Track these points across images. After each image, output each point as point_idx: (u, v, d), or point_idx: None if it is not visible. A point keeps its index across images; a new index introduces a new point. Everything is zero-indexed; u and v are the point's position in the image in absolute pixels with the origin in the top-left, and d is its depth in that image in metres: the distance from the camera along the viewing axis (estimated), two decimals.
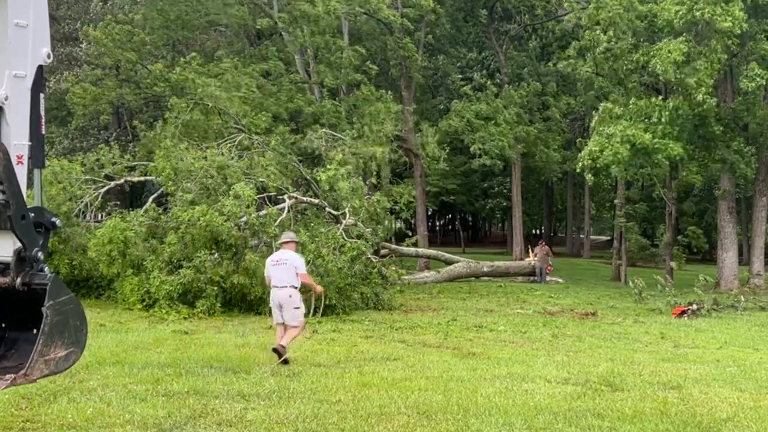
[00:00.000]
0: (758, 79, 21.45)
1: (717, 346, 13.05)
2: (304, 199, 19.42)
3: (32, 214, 4.40)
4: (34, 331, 4.40)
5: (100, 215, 20.14)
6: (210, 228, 15.29)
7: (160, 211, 17.79)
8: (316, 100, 27.27)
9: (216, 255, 15.65)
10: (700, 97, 21.37)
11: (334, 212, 19.07)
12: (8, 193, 4.20)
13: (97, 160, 19.96)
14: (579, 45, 27.62)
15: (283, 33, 27.38)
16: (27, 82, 4.48)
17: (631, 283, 21.84)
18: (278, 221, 16.89)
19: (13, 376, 4.20)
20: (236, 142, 20.45)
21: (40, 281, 4.38)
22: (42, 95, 4.59)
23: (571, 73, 30.22)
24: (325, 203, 19.37)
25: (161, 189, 20.23)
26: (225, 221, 15.49)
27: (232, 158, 18.97)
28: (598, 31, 25.02)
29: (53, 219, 4.56)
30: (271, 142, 21.14)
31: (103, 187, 19.39)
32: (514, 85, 34.43)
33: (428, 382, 8.99)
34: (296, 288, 9.87)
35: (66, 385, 8.21)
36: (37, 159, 4.56)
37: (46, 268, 4.47)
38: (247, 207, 16.30)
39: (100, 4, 33.22)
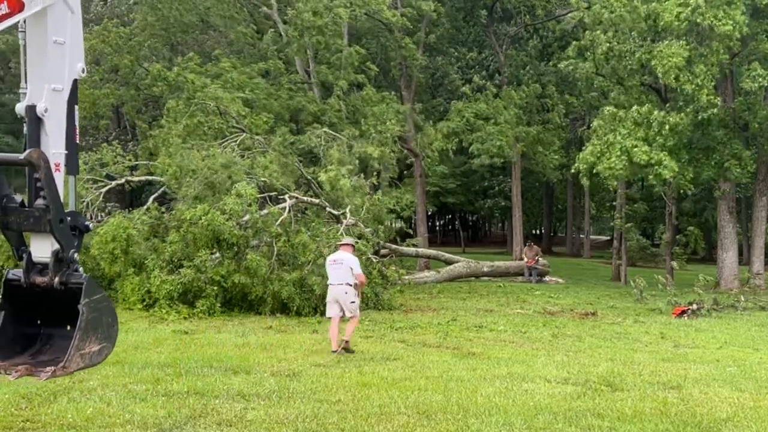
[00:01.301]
0: (760, 80, 21.45)
1: (717, 346, 13.05)
2: (305, 198, 19.43)
3: (68, 218, 4.70)
4: (68, 327, 4.76)
5: (100, 215, 20.12)
6: (212, 227, 15.30)
7: (162, 210, 17.81)
8: (318, 99, 27.26)
9: (217, 254, 15.66)
10: (704, 98, 21.34)
11: (335, 212, 19.08)
12: (48, 199, 4.55)
13: (99, 158, 19.95)
14: (579, 44, 27.57)
15: (285, 38, 27.35)
16: (64, 95, 4.81)
17: (632, 282, 21.82)
18: (279, 221, 16.90)
19: (53, 368, 4.51)
20: (238, 141, 20.46)
21: (77, 280, 4.73)
22: (76, 107, 4.90)
23: (571, 73, 30.17)
24: (326, 203, 19.38)
25: (162, 188, 20.23)
26: (227, 220, 15.51)
27: (235, 157, 18.98)
28: (598, 31, 24.98)
29: (86, 222, 4.93)
30: (273, 142, 21.14)
31: (104, 186, 19.39)
32: (513, 86, 34.36)
33: (428, 382, 9.00)
34: (351, 285, 11.08)
35: (66, 385, 8.22)
36: (71, 166, 4.90)
37: (80, 269, 4.79)
38: (249, 206, 16.32)
39: (101, 3, 33.20)
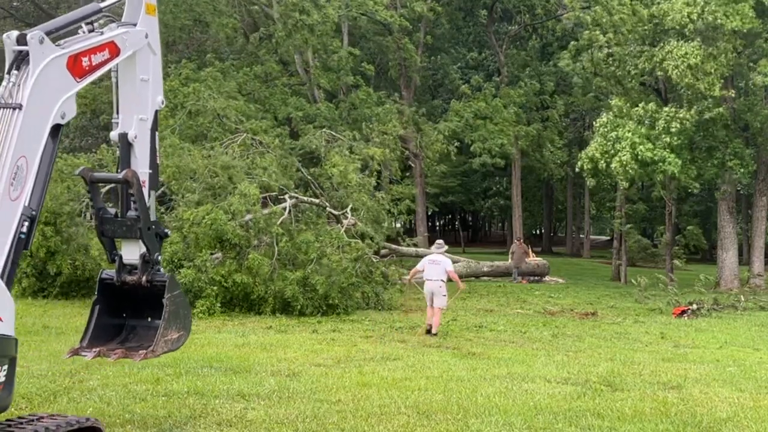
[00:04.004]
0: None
1: (717, 346, 13.05)
2: (305, 198, 19.42)
3: (153, 226, 5.70)
4: (149, 318, 5.75)
5: None
6: (215, 227, 15.30)
7: (162, 210, 17.78)
8: (312, 102, 27.23)
9: (217, 254, 15.64)
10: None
11: (335, 212, 19.08)
12: (139, 210, 5.54)
13: (99, 159, 19.93)
14: (577, 45, 27.53)
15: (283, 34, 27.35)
16: (148, 124, 5.85)
17: (633, 281, 21.82)
18: (280, 221, 16.90)
19: (144, 351, 5.43)
20: (239, 142, 20.43)
21: (160, 279, 5.67)
22: (157, 133, 5.99)
23: (570, 73, 30.17)
24: (326, 203, 19.37)
25: (162, 188, 20.19)
26: (229, 220, 15.51)
27: (234, 158, 18.96)
28: (597, 32, 24.94)
29: (166, 230, 5.88)
30: (272, 143, 21.12)
31: (103, 186, 19.32)
32: (513, 86, 34.37)
33: (428, 382, 9.00)
34: (444, 282, 13.22)
35: (66, 385, 8.23)
36: (153, 183, 5.88)
37: (161, 269, 5.79)
38: (253, 205, 16.33)
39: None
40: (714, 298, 19.84)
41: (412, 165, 32.22)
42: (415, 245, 26.32)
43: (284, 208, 17.76)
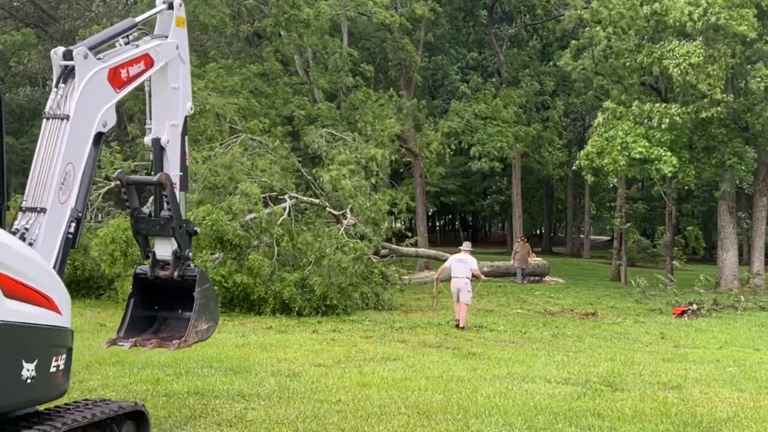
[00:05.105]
0: (766, 80, 21.50)
1: (717, 346, 13.05)
2: (305, 199, 19.41)
3: (184, 224, 6.06)
4: (179, 311, 6.08)
5: (99, 216, 20.10)
6: (215, 227, 15.30)
7: None
8: (313, 102, 27.19)
9: (218, 255, 15.63)
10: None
11: (335, 212, 19.07)
12: (172, 210, 5.90)
13: (99, 160, 19.95)
14: (577, 44, 27.50)
15: (282, 33, 27.31)
16: (178, 129, 6.24)
17: (633, 282, 21.81)
18: (280, 221, 16.90)
19: (177, 341, 5.75)
20: (238, 142, 20.42)
21: (191, 273, 6.05)
22: (186, 137, 6.38)
23: (571, 72, 30.13)
24: (326, 203, 19.36)
25: None
26: (230, 220, 15.51)
27: (235, 159, 18.94)
28: (598, 28, 24.91)
29: (195, 228, 6.27)
30: (272, 144, 21.10)
31: (103, 187, 19.36)
32: (512, 86, 34.34)
33: (428, 382, 9.00)
34: (469, 279, 14.41)
35: None
36: (182, 184, 6.26)
37: (191, 264, 6.20)
38: (255, 204, 16.34)
39: (101, 4, 33.18)
40: (714, 298, 19.82)
41: (411, 161, 32.17)
42: (414, 245, 26.32)
43: (284, 209, 17.75)
